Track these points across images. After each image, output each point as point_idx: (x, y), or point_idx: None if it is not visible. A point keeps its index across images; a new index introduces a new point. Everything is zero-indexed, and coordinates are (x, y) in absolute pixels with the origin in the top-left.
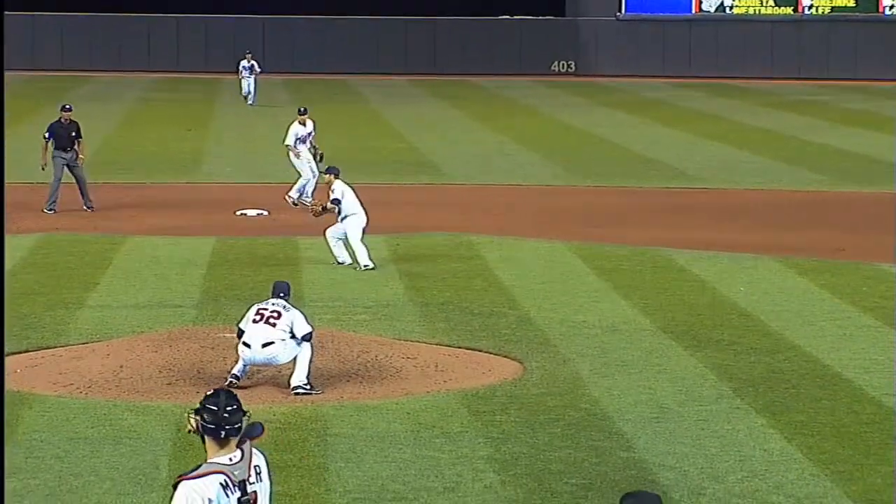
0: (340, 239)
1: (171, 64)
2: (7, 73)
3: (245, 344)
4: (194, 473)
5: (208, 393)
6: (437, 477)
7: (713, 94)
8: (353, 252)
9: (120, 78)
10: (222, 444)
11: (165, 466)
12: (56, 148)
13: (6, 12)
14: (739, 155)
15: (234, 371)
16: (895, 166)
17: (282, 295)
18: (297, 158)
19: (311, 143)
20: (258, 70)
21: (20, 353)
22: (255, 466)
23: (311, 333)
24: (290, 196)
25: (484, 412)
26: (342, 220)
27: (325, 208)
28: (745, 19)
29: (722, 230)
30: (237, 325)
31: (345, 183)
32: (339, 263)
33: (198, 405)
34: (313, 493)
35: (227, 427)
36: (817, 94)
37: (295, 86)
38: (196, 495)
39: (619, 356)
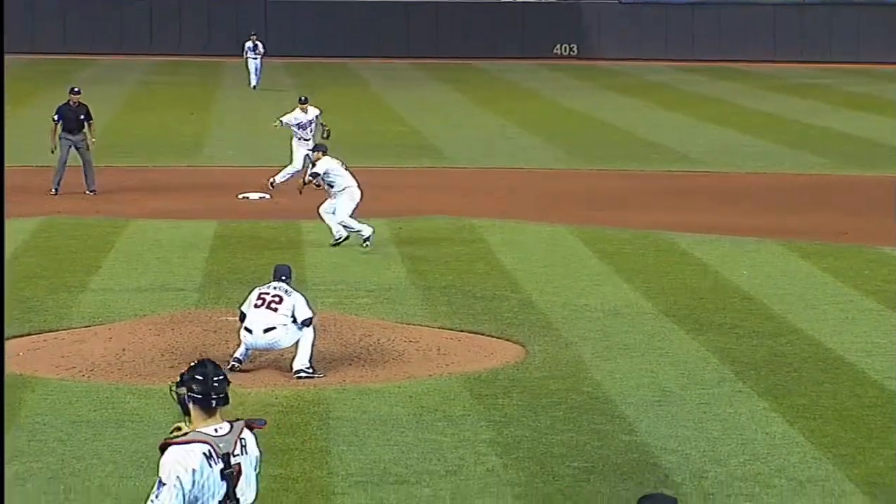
0: (333, 214)
1: (173, 47)
2: (7, 57)
3: (246, 329)
4: (181, 439)
5: (193, 364)
6: (439, 460)
7: (716, 78)
8: (343, 223)
9: (121, 61)
10: (210, 412)
11: None
12: (63, 130)
13: None
14: (742, 138)
15: (237, 354)
16: None
17: (283, 278)
18: (298, 143)
19: (317, 123)
20: (262, 51)
21: (22, 336)
22: (241, 439)
23: (311, 318)
24: (273, 179)
25: (486, 395)
26: (336, 195)
27: (305, 182)
28: (747, 2)
29: (724, 213)
30: (239, 308)
31: (336, 160)
32: (336, 240)
33: (180, 378)
34: (315, 476)
35: (215, 396)
36: (820, 78)
37: (297, 69)
38: (180, 467)
39: (621, 339)
